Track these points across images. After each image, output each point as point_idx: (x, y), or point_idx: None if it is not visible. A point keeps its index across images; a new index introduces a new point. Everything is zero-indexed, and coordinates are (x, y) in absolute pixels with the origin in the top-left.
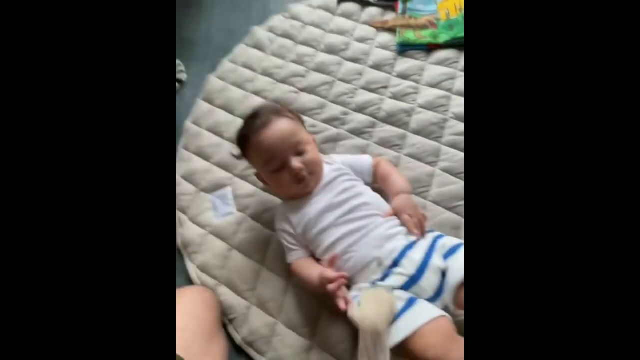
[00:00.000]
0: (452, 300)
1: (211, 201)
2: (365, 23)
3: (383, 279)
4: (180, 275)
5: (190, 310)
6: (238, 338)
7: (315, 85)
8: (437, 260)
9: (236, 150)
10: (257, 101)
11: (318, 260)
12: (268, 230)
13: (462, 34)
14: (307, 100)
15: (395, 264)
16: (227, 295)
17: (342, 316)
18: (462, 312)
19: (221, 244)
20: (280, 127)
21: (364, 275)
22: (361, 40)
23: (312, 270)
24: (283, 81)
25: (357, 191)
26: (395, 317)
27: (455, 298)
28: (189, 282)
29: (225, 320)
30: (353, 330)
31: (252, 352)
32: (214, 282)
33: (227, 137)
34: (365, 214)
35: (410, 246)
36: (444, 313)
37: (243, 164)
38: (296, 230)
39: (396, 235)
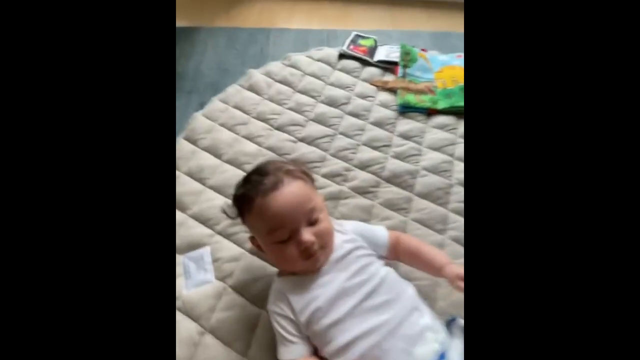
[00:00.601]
0: None
1: (183, 265)
2: (366, 80)
3: None
4: None
5: None
6: None
7: (316, 136)
8: None
9: (230, 209)
10: (248, 147)
11: (321, 358)
12: (255, 307)
13: (460, 103)
14: (306, 151)
15: None
16: None
17: None
18: None
19: (190, 326)
20: (294, 191)
21: None
22: (362, 96)
23: None
24: (280, 128)
25: (375, 270)
26: None
27: None
28: None
29: None
30: None
31: None
32: None
33: (211, 185)
34: (386, 299)
35: (444, 356)
36: None
37: (229, 220)
38: (299, 318)
39: (424, 333)
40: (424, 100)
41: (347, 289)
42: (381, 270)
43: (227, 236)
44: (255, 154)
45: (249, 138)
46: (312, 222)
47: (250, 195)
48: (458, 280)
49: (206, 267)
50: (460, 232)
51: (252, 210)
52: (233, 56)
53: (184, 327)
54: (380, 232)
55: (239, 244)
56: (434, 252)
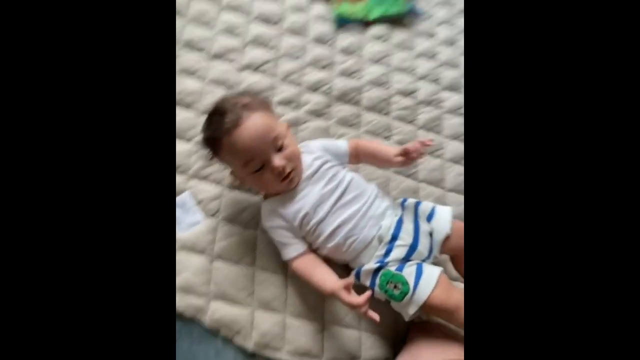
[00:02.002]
0: (438, 251)
1: None
2: None
3: (387, 253)
4: None
5: None
6: (250, 346)
7: (258, 63)
8: (424, 226)
9: (204, 152)
10: (190, 84)
11: (315, 251)
12: (250, 229)
13: (391, 10)
14: (253, 80)
15: (395, 237)
16: (225, 310)
17: None
18: (443, 256)
19: (199, 259)
20: (255, 123)
21: (368, 254)
22: (295, 9)
23: (321, 276)
24: (217, 57)
25: (342, 176)
26: (414, 286)
27: (440, 249)
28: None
29: (229, 334)
30: None
31: (268, 352)
32: (203, 299)
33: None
34: (354, 195)
35: (401, 219)
36: (440, 268)
37: (197, 163)
38: (293, 224)
39: (386, 212)
40: (358, 10)
41: (324, 195)
42: (347, 175)
43: (202, 179)
44: (200, 91)
45: (188, 73)
46: (279, 148)
47: (216, 137)
48: (400, 155)
49: (192, 209)
50: (402, 136)
51: (222, 149)
52: None
53: (193, 260)
54: (341, 143)
55: (215, 182)
56: (387, 147)
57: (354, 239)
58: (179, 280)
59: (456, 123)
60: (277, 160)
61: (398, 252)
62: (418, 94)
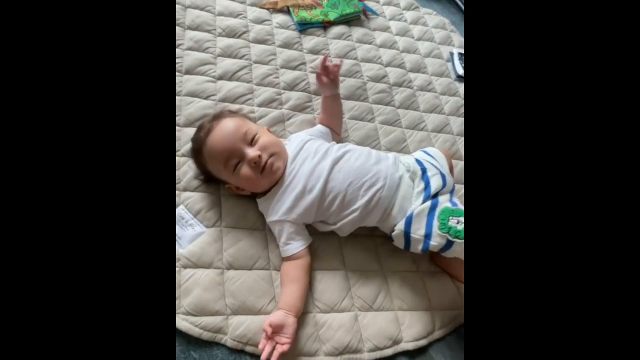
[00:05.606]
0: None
1: None
2: (254, 5)
3: (427, 184)
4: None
5: None
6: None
7: (233, 70)
8: (429, 158)
9: (199, 175)
10: None
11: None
12: (259, 230)
13: (347, 11)
14: (231, 87)
15: (424, 170)
16: (248, 322)
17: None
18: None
19: (207, 272)
20: (224, 126)
21: (407, 193)
22: (258, 21)
23: (287, 292)
24: (190, 72)
25: (329, 145)
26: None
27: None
28: (185, 338)
29: (257, 350)
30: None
31: (304, 359)
32: (221, 317)
33: None
34: (351, 154)
35: (416, 159)
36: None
37: (187, 174)
38: (296, 204)
39: (396, 161)
40: (316, 15)
41: (315, 163)
42: (335, 144)
43: (194, 189)
44: (178, 105)
45: None
46: (251, 142)
47: (196, 149)
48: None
49: (190, 222)
50: (385, 116)
51: (205, 158)
52: None
53: (201, 275)
54: (318, 126)
55: (208, 192)
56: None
57: (380, 193)
58: (189, 300)
59: (429, 98)
60: (250, 151)
61: (436, 180)
62: (389, 78)
